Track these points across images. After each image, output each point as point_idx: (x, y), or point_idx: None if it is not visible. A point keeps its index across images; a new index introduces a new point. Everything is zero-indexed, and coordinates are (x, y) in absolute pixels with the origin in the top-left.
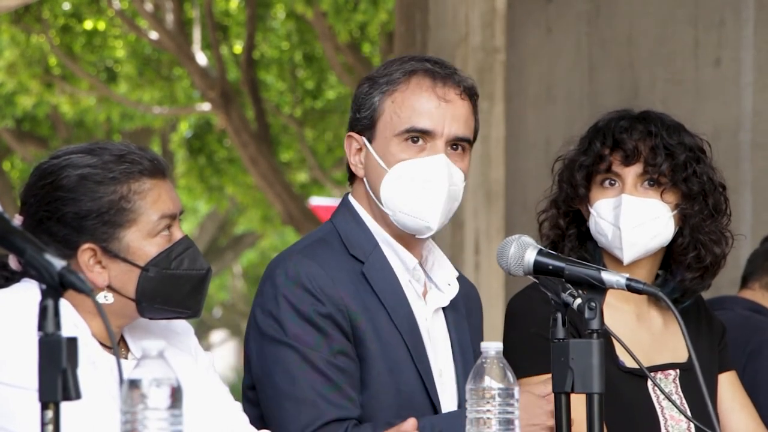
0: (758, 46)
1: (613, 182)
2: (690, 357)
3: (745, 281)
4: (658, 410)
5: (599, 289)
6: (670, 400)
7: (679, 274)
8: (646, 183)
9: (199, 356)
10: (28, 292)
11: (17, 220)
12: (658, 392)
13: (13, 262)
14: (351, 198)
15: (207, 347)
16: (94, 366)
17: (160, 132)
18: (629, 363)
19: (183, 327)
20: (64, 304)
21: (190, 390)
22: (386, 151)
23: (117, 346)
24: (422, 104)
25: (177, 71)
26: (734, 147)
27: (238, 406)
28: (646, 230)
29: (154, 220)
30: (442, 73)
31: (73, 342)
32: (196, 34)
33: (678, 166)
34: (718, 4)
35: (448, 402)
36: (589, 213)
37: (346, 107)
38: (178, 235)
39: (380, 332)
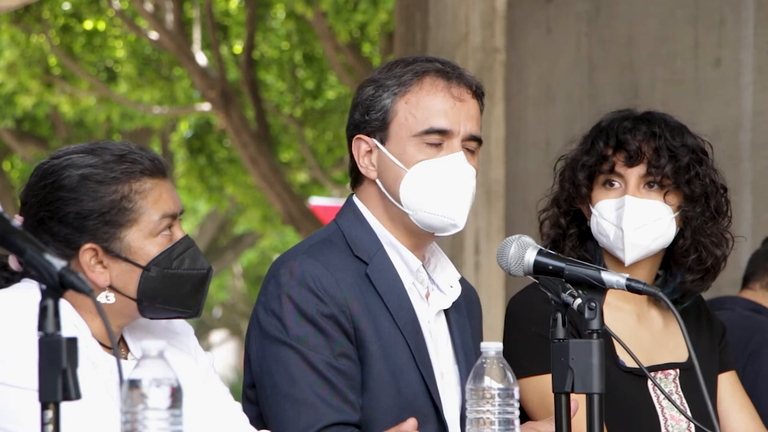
0: (758, 46)
1: (615, 183)
2: (690, 357)
3: (746, 281)
4: (658, 410)
5: (599, 289)
6: (670, 400)
7: (679, 275)
8: (648, 184)
9: (199, 356)
10: (28, 292)
11: (17, 221)
12: (658, 392)
13: (13, 263)
14: (356, 199)
15: (207, 347)
16: (94, 366)
17: (160, 132)
18: (629, 363)
19: (183, 327)
20: (64, 305)
21: (190, 390)
22: (403, 151)
23: (117, 346)
24: (438, 104)
25: (177, 71)
26: (734, 147)
27: (238, 406)
28: (648, 232)
29: (156, 220)
30: (453, 73)
31: (73, 342)
32: (196, 34)
33: (681, 168)
34: (718, 4)
35: (450, 404)
36: (590, 213)
37: (346, 107)
38: (178, 234)
39: (382, 334)
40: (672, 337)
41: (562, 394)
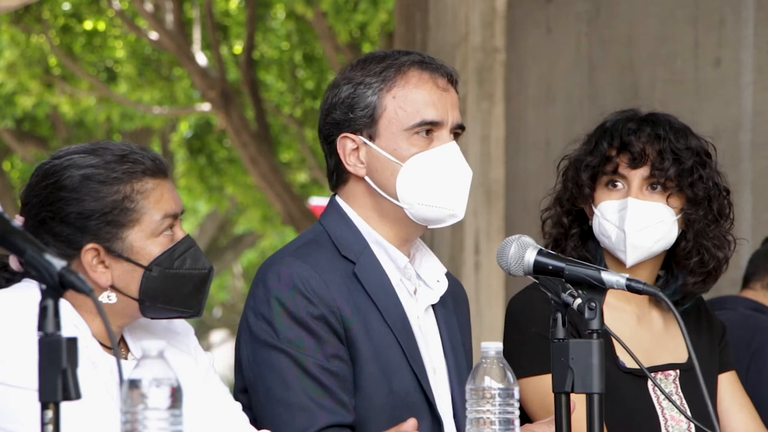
0: (758, 46)
1: (618, 184)
2: (690, 357)
3: (747, 281)
4: (659, 410)
5: (599, 289)
6: (670, 400)
7: (681, 277)
8: (651, 186)
9: (199, 356)
10: (28, 292)
11: (18, 221)
12: (659, 392)
13: (13, 263)
14: (339, 199)
15: (207, 347)
16: (94, 366)
17: (160, 132)
18: (629, 363)
19: (183, 327)
20: (64, 304)
21: (190, 390)
22: (396, 146)
23: (117, 346)
24: (426, 96)
25: (177, 71)
26: (734, 147)
27: (238, 406)
28: (650, 234)
29: (157, 220)
30: (433, 64)
31: (73, 342)
32: (196, 34)
33: (685, 171)
34: (718, 4)
35: (442, 399)
36: (592, 213)
37: None
38: (180, 234)
39: (373, 333)
40: (672, 337)
41: (562, 394)
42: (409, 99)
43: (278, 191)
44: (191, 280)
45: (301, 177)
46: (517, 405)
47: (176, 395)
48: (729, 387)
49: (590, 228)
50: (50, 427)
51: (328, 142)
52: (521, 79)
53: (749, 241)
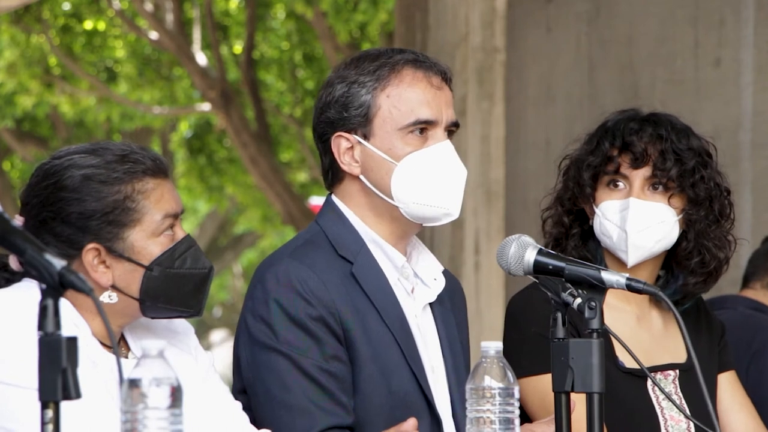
0: (758, 46)
1: (620, 184)
2: (689, 357)
3: (747, 281)
4: (658, 410)
5: (599, 288)
6: (670, 399)
7: (681, 277)
8: (653, 186)
9: (199, 356)
10: (28, 292)
11: (18, 221)
12: (658, 392)
13: (13, 263)
14: (335, 199)
15: (207, 347)
16: (94, 365)
17: (160, 132)
18: (629, 363)
19: (183, 326)
20: (65, 304)
21: (190, 390)
22: (391, 145)
23: (117, 345)
24: (420, 95)
25: (177, 71)
26: (734, 147)
27: (239, 405)
28: (651, 234)
29: (158, 220)
30: (427, 62)
31: (73, 341)
32: (196, 34)
33: (686, 171)
34: (718, 4)
35: (441, 398)
36: (593, 212)
37: None
38: (180, 234)
39: (371, 333)
40: (671, 337)
41: (561, 394)
42: (404, 98)
43: (278, 191)
44: (192, 279)
45: (301, 177)
46: (517, 404)
47: (176, 395)
48: (728, 387)
49: (591, 228)
50: (50, 427)
51: (323, 141)
52: (521, 79)
53: (749, 241)
